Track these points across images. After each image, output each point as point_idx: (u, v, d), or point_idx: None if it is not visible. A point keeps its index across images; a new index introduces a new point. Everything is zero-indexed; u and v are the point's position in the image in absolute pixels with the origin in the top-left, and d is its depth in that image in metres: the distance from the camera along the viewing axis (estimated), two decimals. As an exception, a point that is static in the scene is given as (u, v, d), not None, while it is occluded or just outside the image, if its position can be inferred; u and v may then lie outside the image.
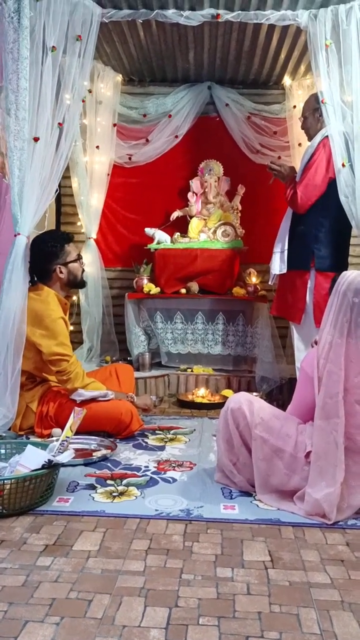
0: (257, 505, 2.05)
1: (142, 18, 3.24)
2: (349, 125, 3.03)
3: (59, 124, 2.92)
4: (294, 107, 4.14)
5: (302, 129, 3.44)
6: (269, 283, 3.45)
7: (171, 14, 3.19)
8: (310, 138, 3.32)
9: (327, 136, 3.11)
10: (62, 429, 2.20)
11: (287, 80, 4.26)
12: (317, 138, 3.18)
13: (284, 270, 3.25)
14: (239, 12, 3.17)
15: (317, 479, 1.94)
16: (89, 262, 4.13)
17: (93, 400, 2.80)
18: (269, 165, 3.43)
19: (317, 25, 3.05)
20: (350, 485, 1.93)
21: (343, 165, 3.01)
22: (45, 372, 2.89)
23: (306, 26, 3.11)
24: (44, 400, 2.85)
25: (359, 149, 2.96)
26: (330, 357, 1.95)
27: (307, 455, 2.03)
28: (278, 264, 3.27)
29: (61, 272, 2.94)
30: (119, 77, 4.30)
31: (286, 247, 3.25)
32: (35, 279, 2.95)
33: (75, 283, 3.03)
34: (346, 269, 3.12)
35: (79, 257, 3.04)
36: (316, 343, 2.29)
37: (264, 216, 4.33)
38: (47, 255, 2.91)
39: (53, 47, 2.81)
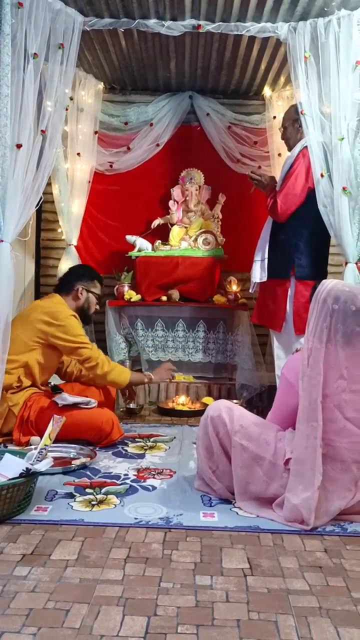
0: (237, 513, 2.06)
1: (123, 27, 3.26)
2: (327, 136, 3.08)
3: (42, 131, 2.92)
4: (274, 117, 4.20)
5: (282, 139, 3.48)
6: (250, 291, 3.48)
7: (152, 24, 3.22)
8: (290, 148, 3.37)
9: (306, 146, 3.16)
10: (42, 435, 2.18)
11: (267, 91, 4.31)
12: (297, 148, 3.23)
13: (264, 279, 3.28)
14: (220, 23, 3.22)
15: (295, 483, 1.96)
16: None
17: (75, 406, 2.79)
18: (249, 175, 3.47)
19: (296, 37, 3.11)
20: (328, 490, 1.95)
21: (322, 175, 3.06)
22: (37, 376, 2.92)
23: (286, 38, 3.16)
24: (26, 405, 2.84)
25: (337, 160, 3.01)
26: (310, 362, 1.98)
27: (286, 462, 2.04)
28: (258, 272, 3.30)
29: (81, 293, 3.13)
30: (101, 85, 4.31)
31: (266, 255, 3.28)
32: (56, 289, 3.16)
33: (84, 312, 3.17)
34: (325, 278, 3.17)
35: (99, 298, 3.25)
36: (297, 350, 2.31)
37: (244, 225, 4.37)
38: (79, 274, 3.18)
39: (35, 54, 2.81)
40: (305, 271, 3.16)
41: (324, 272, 3.28)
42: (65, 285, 3.15)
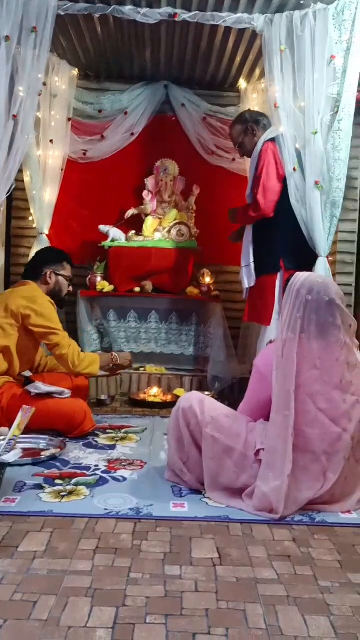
0: (207, 503, 2.07)
1: (98, 12, 3.21)
2: (300, 131, 3.08)
3: (14, 116, 2.86)
4: (249, 110, 4.19)
5: (243, 155, 3.51)
6: (243, 297, 3.44)
7: (128, 11, 3.17)
8: (251, 154, 3.37)
9: (268, 140, 3.16)
10: (12, 424, 2.15)
11: (242, 83, 4.31)
12: (259, 145, 3.25)
13: (253, 283, 3.28)
14: (196, 12, 3.19)
15: (266, 471, 1.98)
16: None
17: (49, 395, 2.77)
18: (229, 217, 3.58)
19: (272, 29, 3.10)
20: (298, 480, 1.97)
21: (294, 169, 3.07)
22: (15, 361, 2.89)
23: (262, 30, 3.16)
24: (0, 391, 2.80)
25: (310, 154, 3.03)
26: (285, 353, 2.00)
27: (257, 453, 2.05)
28: (247, 278, 3.31)
29: (50, 277, 3.06)
30: (75, 72, 4.24)
31: (251, 259, 3.28)
32: (25, 276, 3.10)
33: (57, 296, 3.11)
34: (314, 263, 3.15)
35: (70, 280, 3.17)
36: (271, 342, 2.33)
37: (218, 217, 4.35)
38: (45, 258, 3.12)
39: (7, 37, 2.75)
40: (294, 261, 3.14)
41: (312, 257, 3.25)
42: (35, 273, 3.08)
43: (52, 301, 2.99)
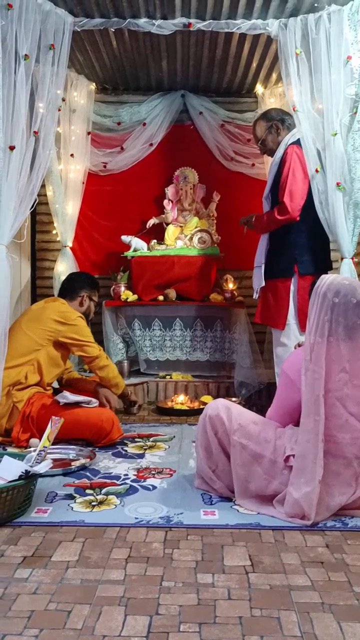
0: (237, 510, 2.05)
1: (114, 27, 3.25)
2: (319, 133, 3.07)
3: (35, 132, 2.91)
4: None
5: (265, 153, 3.47)
6: (254, 297, 3.42)
7: (143, 23, 3.21)
8: (273, 153, 3.35)
9: (292, 143, 3.14)
10: (41, 433, 2.19)
11: (259, 88, 4.31)
12: (281, 147, 3.23)
13: (263, 284, 3.27)
14: (211, 21, 3.21)
15: (297, 477, 1.96)
16: (65, 270, 4.10)
17: (77, 404, 2.82)
18: (239, 221, 3.55)
19: (287, 34, 3.10)
20: (329, 485, 1.95)
21: (317, 171, 3.05)
22: (44, 372, 2.99)
23: (276, 35, 3.16)
24: (29, 402, 2.88)
25: (330, 155, 3.01)
26: (313, 357, 1.98)
27: (287, 459, 2.03)
28: (258, 278, 3.29)
29: (84, 300, 3.30)
30: (93, 86, 4.31)
31: (263, 261, 3.27)
32: (61, 294, 3.31)
33: (85, 319, 3.24)
34: (330, 269, 3.15)
35: (97, 305, 3.45)
36: (299, 345, 2.30)
37: (239, 223, 4.36)
38: (85, 283, 3.35)
39: (26, 55, 2.80)
40: (309, 267, 3.12)
41: (328, 265, 3.23)
42: (70, 292, 3.28)
43: (82, 316, 3.14)
